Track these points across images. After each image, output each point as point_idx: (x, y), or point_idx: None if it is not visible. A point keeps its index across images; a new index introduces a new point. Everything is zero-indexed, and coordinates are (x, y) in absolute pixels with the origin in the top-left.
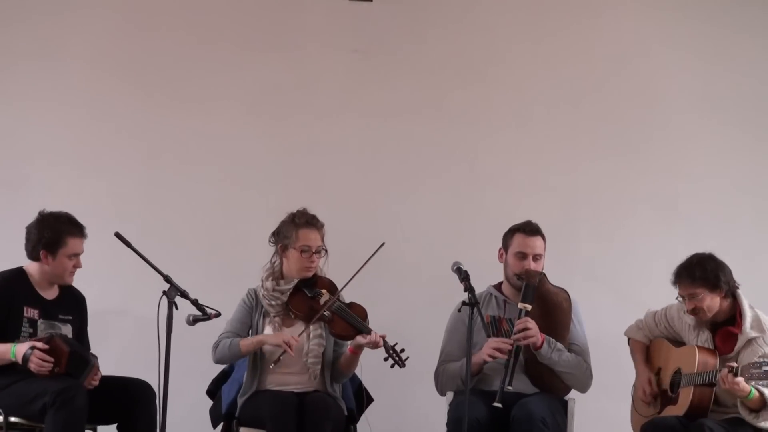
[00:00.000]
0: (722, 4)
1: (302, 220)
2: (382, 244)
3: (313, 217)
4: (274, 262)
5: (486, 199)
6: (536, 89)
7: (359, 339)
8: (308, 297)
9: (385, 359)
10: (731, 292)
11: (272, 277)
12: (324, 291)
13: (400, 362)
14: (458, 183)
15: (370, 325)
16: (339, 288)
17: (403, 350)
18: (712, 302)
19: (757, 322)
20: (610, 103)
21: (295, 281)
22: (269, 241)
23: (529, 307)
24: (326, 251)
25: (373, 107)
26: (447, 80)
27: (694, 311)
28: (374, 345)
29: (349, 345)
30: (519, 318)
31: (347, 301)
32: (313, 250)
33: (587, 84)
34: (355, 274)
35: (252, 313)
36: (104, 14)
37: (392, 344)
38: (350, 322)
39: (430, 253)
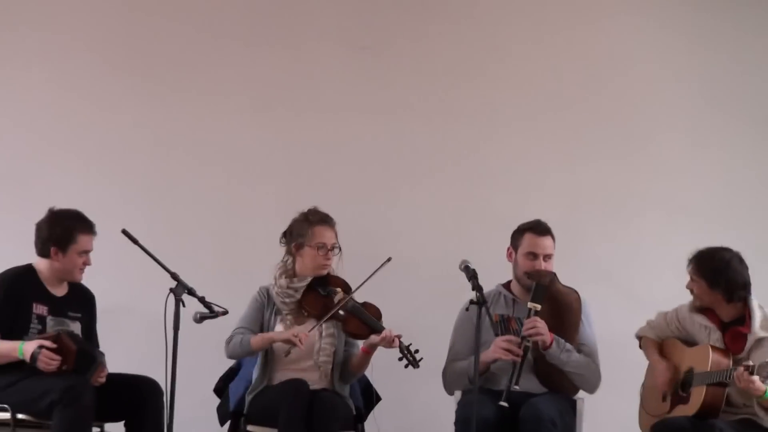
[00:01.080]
0: (725, 4)
1: (316, 218)
2: (389, 259)
3: (327, 215)
4: (287, 261)
5: (493, 198)
6: (543, 87)
7: (373, 338)
8: (322, 295)
9: (400, 359)
10: (738, 298)
11: (285, 275)
12: (338, 289)
13: (414, 362)
14: (465, 181)
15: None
16: (353, 287)
17: (417, 350)
18: (707, 296)
19: (766, 322)
20: (618, 101)
21: (309, 279)
22: (280, 241)
23: (538, 306)
24: (340, 249)
25: (379, 104)
26: (453, 77)
27: (691, 292)
28: (389, 344)
29: (362, 344)
30: (528, 317)
31: (360, 301)
32: (329, 248)
33: (594, 83)
34: (369, 277)
35: (263, 310)
36: (110, 10)
37: (407, 344)
38: (365, 320)
39: (438, 252)
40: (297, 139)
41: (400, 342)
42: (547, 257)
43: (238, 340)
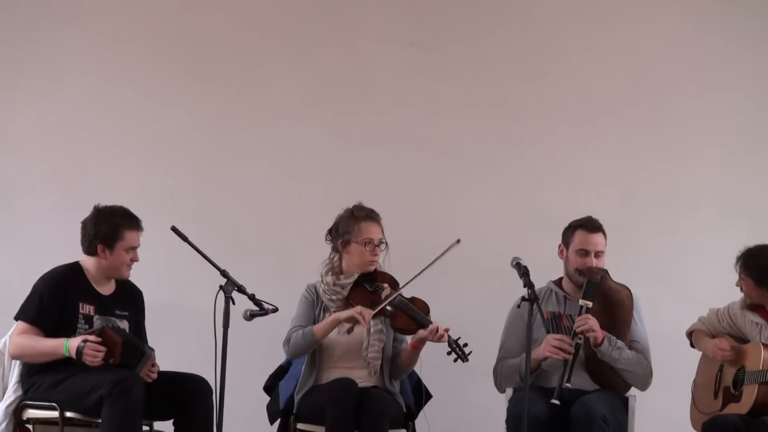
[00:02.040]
0: None
1: (362, 214)
2: (458, 241)
3: (372, 210)
4: (333, 258)
5: (545, 195)
6: (596, 86)
7: (421, 333)
8: (369, 291)
9: (449, 353)
10: None
11: (332, 272)
12: (386, 285)
13: (463, 357)
14: (517, 178)
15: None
16: (400, 283)
17: (466, 344)
18: (755, 293)
19: None
20: (671, 99)
21: (356, 276)
22: (326, 239)
23: (590, 304)
24: (387, 244)
25: (431, 101)
26: (505, 75)
27: (741, 289)
28: (438, 338)
29: (410, 340)
30: (579, 315)
31: (408, 296)
32: (376, 243)
33: (647, 81)
34: (423, 270)
35: (314, 307)
36: (161, 6)
37: (455, 338)
38: (413, 316)
39: (489, 249)
40: (348, 136)
41: (449, 336)
42: (599, 254)
43: (300, 334)
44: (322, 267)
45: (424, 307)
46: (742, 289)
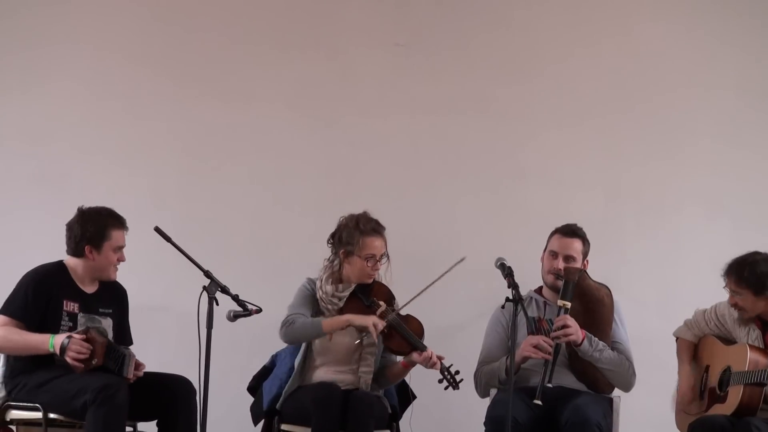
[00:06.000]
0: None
1: (368, 227)
2: (463, 259)
3: (378, 223)
4: (334, 263)
5: (530, 196)
6: (582, 87)
7: (415, 356)
8: (364, 306)
9: (440, 381)
10: None
11: (332, 280)
12: (382, 303)
13: (455, 384)
14: (502, 179)
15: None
16: (396, 301)
17: (458, 372)
18: (754, 305)
19: None
20: (656, 100)
21: (353, 287)
22: (328, 242)
23: (568, 304)
24: (388, 257)
25: (415, 102)
26: (491, 76)
27: (736, 306)
28: (430, 364)
29: (402, 359)
30: (558, 315)
31: (403, 313)
32: (378, 258)
33: (633, 82)
34: (424, 290)
35: (313, 299)
36: (144, 9)
37: (447, 365)
38: (406, 337)
39: (473, 250)
40: (332, 137)
41: (441, 363)
42: (568, 258)
43: (307, 321)
44: (323, 270)
45: (418, 328)
46: (737, 307)
